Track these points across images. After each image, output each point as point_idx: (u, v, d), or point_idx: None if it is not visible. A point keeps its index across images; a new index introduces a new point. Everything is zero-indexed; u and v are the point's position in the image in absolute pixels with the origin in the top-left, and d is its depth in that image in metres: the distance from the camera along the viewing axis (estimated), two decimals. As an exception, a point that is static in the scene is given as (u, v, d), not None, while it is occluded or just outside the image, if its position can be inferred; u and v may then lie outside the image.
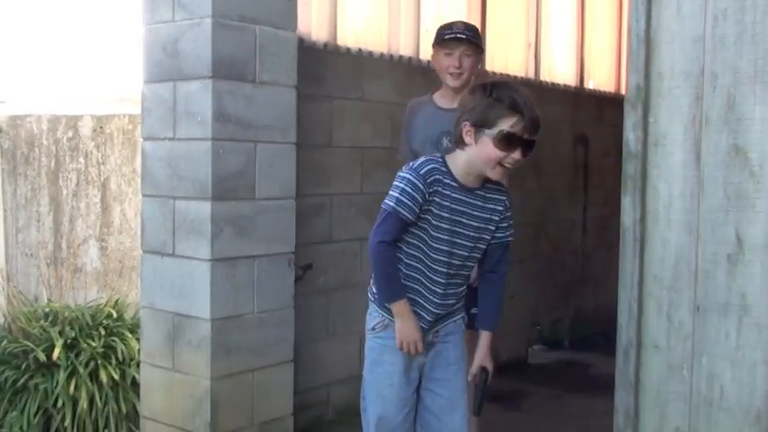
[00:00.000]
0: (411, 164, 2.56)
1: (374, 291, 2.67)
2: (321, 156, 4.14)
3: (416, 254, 2.56)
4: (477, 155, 2.47)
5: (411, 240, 2.55)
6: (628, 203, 2.33)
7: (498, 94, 2.43)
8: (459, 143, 2.52)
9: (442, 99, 3.60)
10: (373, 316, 2.68)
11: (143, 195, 3.74)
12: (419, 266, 2.57)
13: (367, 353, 2.71)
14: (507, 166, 2.47)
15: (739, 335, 2.16)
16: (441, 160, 2.55)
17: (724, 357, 2.19)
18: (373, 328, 2.68)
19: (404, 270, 2.57)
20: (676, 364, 2.27)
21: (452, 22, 3.65)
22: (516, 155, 2.44)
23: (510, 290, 5.73)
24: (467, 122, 2.48)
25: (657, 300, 2.30)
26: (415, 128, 3.64)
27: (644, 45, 2.29)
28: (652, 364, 2.32)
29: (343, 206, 4.26)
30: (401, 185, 2.49)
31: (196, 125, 3.47)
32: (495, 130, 2.42)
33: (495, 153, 2.43)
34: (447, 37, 3.53)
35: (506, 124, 2.42)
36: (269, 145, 3.64)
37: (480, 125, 2.44)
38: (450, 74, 3.51)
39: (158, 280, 3.66)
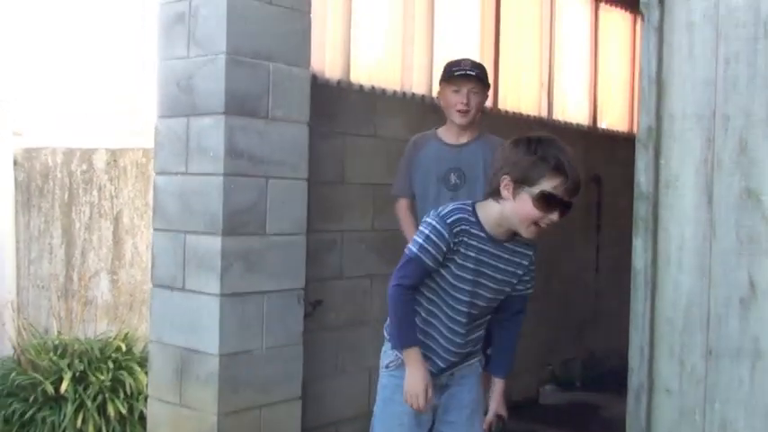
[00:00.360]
0: (440, 210, 2.47)
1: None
2: (333, 192, 4.15)
3: (436, 301, 2.51)
4: (512, 211, 2.39)
5: (432, 286, 2.50)
6: (639, 246, 2.31)
7: (544, 152, 2.34)
8: (495, 195, 2.43)
9: (448, 134, 3.63)
10: (387, 354, 2.65)
11: (154, 229, 3.75)
12: (438, 314, 2.52)
13: (379, 389, 2.67)
14: (543, 226, 2.40)
15: (753, 380, 2.13)
16: (470, 209, 2.46)
17: (737, 403, 2.16)
18: (387, 366, 2.65)
19: (423, 315, 2.52)
20: (688, 408, 2.24)
21: (460, 60, 3.67)
22: (554, 216, 2.37)
23: (522, 329, 5.68)
24: (507, 176, 2.38)
25: (669, 343, 2.27)
26: (417, 164, 3.66)
27: (655, 86, 2.29)
28: (663, 408, 2.28)
29: (355, 242, 4.25)
30: (426, 232, 2.42)
31: (208, 160, 3.49)
32: (535, 189, 2.33)
33: (534, 212, 2.35)
34: (457, 74, 3.55)
35: (549, 185, 2.33)
36: (280, 181, 3.65)
37: (521, 182, 2.35)
38: (458, 111, 3.54)
39: (168, 314, 3.65)
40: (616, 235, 6.29)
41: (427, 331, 2.54)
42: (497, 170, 2.43)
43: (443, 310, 2.52)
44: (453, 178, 3.50)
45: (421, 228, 2.48)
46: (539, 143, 2.37)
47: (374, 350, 4.15)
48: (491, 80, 5.35)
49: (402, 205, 3.77)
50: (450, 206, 2.49)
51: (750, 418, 2.13)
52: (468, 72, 3.55)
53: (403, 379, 2.50)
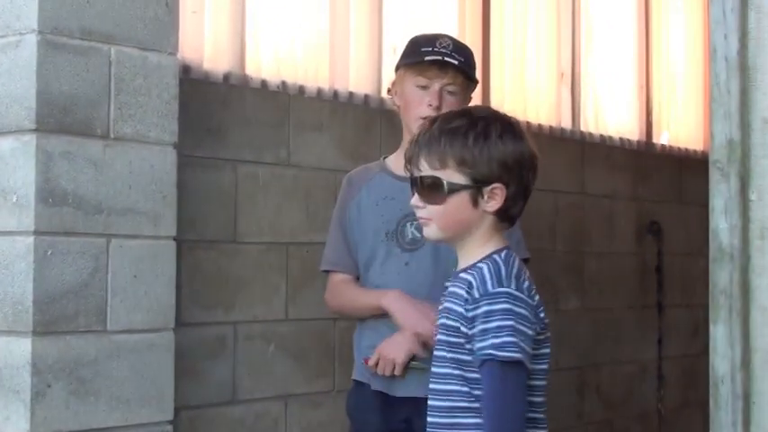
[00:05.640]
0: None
1: None
2: (220, 258, 4.16)
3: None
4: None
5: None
6: (720, 336, 2.33)
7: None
8: None
9: (402, 162, 3.54)
10: None
11: None
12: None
13: None
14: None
15: None
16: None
17: None
18: None
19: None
20: None
21: (435, 36, 3.65)
22: None
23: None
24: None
25: (777, 494, 2.28)
26: (356, 214, 3.63)
27: (737, 77, 2.32)
28: None
29: (257, 341, 4.24)
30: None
31: (9, 209, 3.46)
32: None
33: None
34: (429, 59, 3.56)
35: None
36: (131, 241, 3.64)
37: None
38: (423, 118, 3.48)
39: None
40: (691, 319, 6.36)
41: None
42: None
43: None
44: (410, 231, 3.49)
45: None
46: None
47: None
48: (478, 73, 5.44)
49: (334, 283, 3.73)
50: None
51: None
52: (445, 59, 3.54)
53: None
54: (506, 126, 2.67)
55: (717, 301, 2.36)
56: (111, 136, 3.59)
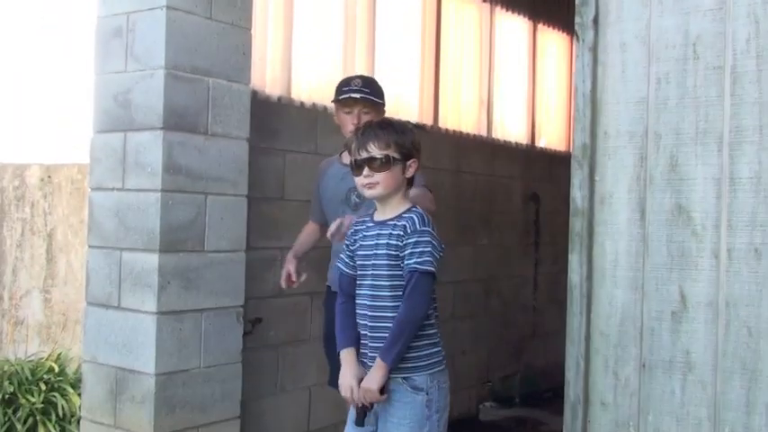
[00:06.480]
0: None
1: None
2: (273, 209, 4.14)
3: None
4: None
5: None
6: (575, 260, 2.36)
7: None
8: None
9: (348, 157, 3.60)
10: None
11: (89, 246, 3.68)
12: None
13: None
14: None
15: (684, 392, 2.18)
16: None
17: (670, 415, 2.21)
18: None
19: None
20: (623, 421, 2.28)
21: (351, 78, 3.63)
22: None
23: (461, 345, 5.73)
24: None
25: (604, 356, 2.32)
26: (324, 186, 3.67)
27: (590, 105, 2.34)
28: (599, 421, 2.32)
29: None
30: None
31: (146, 176, 3.45)
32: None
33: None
34: (342, 97, 3.50)
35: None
36: (220, 197, 3.63)
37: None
38: (351, 132, 3.50)
39: (102, 333, 3.59)
40: (554, 251, 6.40)
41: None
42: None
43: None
44: (353, 198, 3.49)
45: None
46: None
47: (313, 368, 4.14)
48: (431, 98, 5.44)
49: (306, 226, 3.81)
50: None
51: (682, 430, 2.19)
52: (352, 96, 3.47)
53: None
54: (409, 126, 2.84)
55: (573, 239, 2.39)
56: (209, 133, 3.59)
